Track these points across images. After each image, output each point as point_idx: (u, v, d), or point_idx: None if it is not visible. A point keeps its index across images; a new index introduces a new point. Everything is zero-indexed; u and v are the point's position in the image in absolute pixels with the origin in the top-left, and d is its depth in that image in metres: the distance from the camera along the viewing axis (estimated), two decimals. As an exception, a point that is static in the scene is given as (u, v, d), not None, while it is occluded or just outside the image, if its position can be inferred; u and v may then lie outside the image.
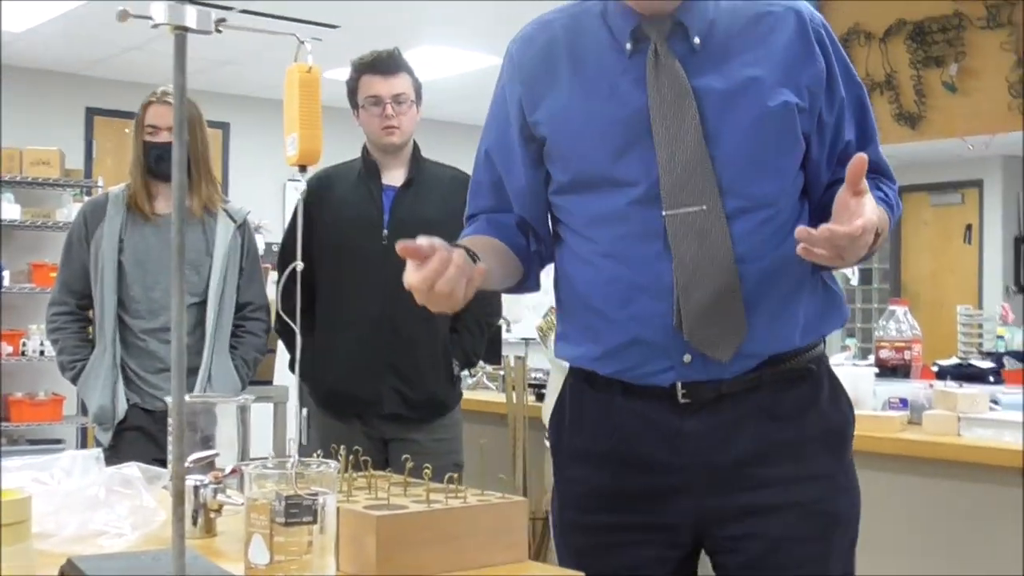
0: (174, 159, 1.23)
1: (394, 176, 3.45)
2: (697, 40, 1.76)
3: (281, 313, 1.71)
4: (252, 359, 3.48)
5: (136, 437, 3.24)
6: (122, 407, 3.26)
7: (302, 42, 1.56)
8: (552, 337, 3.21)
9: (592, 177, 1.81)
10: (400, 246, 1.63)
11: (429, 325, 3.37)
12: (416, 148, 3.50)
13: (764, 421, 1.79)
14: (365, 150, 3.49)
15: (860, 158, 1.62)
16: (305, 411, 1.94)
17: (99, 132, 7.85)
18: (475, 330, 3.50)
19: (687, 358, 1.76)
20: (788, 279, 1.80)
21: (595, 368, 1.86)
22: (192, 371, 3.31)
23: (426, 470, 1.64)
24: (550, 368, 3.45)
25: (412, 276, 1.66)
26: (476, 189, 2.01)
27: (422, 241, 1.65)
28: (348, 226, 3.39)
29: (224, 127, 8.34)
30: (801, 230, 1.61)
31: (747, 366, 1.78)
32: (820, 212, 1.82)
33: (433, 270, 1.64)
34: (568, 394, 1.96)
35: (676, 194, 1.73)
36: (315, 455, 1.55)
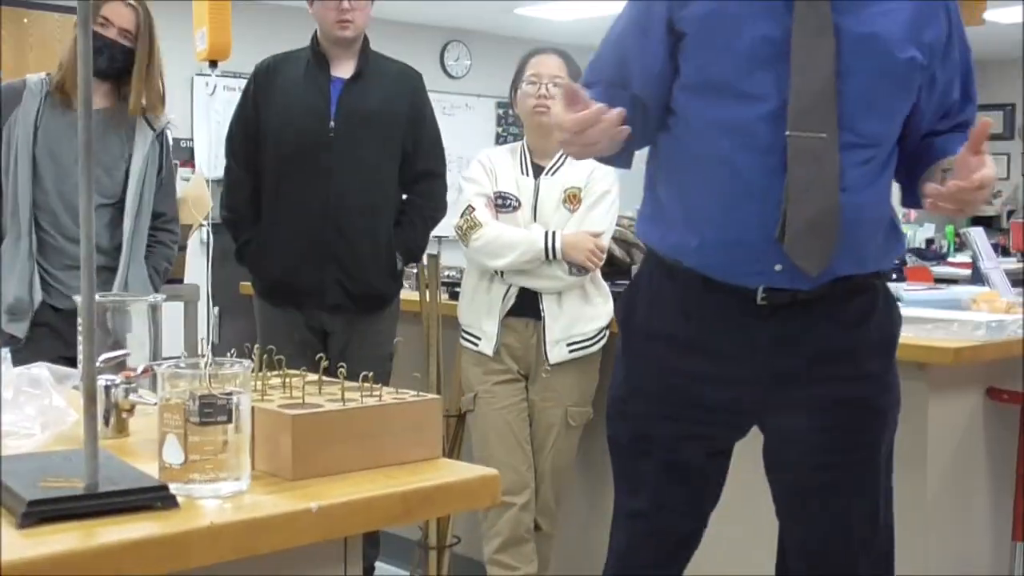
0: (80, 53, 1.19)
1: (343, 68, 3.45)
2: None
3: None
4: (163, 269, 3.47)
5: (45, 333, 3.18)
6: (38, 299, 3.20)
7: (210, -69, 1.52)
8: (473, 236, 3.20)
9: (723, 84, 1.95)
10: (565, 84, 1.81)
11: (373, 218, 3.43)
12: (366, 41, 3.49)
13: (829, 327, 2.01)
14: (315, 40, 3.48)
15: (985, 123, 1.81)
16: (217, 309, 1.93)
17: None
18: (419, 224, 3.53)
19: (778, 267, 1.95)
20: (874, 213, 2.01)
21: (685, 259, 2.03)
22: (105, 271, 3.26)
23: (341, 370, 1.64)
24: (465, 267, 3.45)
25: (567, 115, 1.79)
26: (599, 62, 2.11)
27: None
28: (295, 116, 3.41)
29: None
30: (930, 187, 1.84)
31: (823, 281, 1.97)
32: (911, 159, 2.06)
33: (588, 118, 1.77)
34: (645, 278, 2.16)
35: (802, 118, 1.89)
36: (229, 350, 1.54)
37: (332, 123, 3.37)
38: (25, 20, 7.45)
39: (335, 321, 3.45)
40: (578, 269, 3.18)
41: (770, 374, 2.02)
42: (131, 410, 1.70)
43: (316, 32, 3.48)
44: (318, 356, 1.76)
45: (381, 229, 3.46)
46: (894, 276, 3.95)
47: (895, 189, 2.12)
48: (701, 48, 1.96)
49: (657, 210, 2.11)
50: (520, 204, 3.26)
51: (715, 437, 2.12)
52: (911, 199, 2.12)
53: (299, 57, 3.49)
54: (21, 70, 3.49)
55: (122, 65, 3.26)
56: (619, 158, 2.09)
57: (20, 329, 3.21)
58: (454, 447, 3.49)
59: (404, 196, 3.55)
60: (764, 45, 1.91)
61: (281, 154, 3.41)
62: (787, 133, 1.89)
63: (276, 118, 3.41)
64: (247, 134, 3.47)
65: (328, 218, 3.37)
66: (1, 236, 3.25)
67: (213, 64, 1.87)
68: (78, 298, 1.69)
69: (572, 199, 3.25)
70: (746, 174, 1.94)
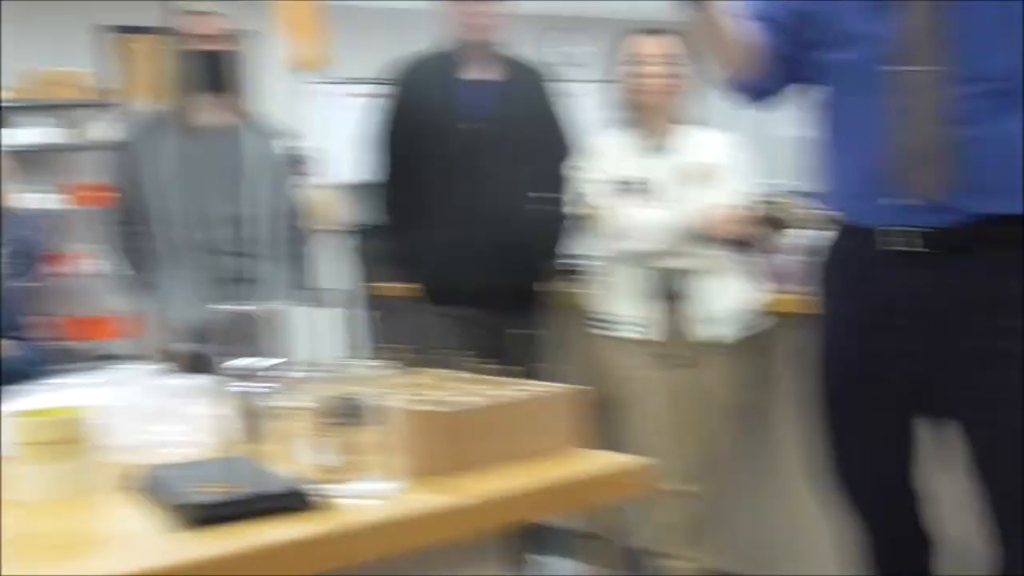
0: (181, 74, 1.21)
1: (481, 70, 3.46)
2: None
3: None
4: (302, 267, 3.54)
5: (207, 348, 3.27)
6: (203, 317, 3.30)
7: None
8: (606, 222, 3.17)
9: (842, 33, 2.06)
10: None
11: (519, 217, 3.44)
12: (501, 43, 3.50)
13: (977, 273, 2.01)
14: (452, 42, 3.48)
15: None
16: (379, 313, 1.95)
17: (111, 50, 7.77)
18: (560, 221, 3.52)
19: (909, 202, 2.00)
20: (1006, 148, 1.97)
21: (839, 208, 2.16)
22: (252, 281, 3.36)
23: (474, 361, 1.64)
24: (602, 254, 3.40)
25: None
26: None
27: None
28: (434, 117, 3.43)
29: (254, 34, 8.22)
30: None
31: (960, 219, 1.98)
32: None
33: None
34: (831, 242, 2.24)
35: (905, 54, 1.96)
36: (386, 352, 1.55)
37: (475, 125, 3.40)
38: (133, 46, 7.64)
39: (488, 318, 3.46)
40: (720, 244, 3.11)
41: (930, 322, 2.05)
42: (275, 416, 1.72)
43: (452, 35, 3.48)
44: (473, 355, 1.75)
45: (527, 228, 3.47)
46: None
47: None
48: (819, 5, 2.09)
49: (826, 176, 2.21)
50: (644, 186, 3.21)
51: (898, 397, 2.15)
52: None
53: (436, 59, 3.51)
54: (143, 95, 3.61)
55: (233, 71, 3.36)
56: (747, 69, 2.21)
57: (187, 349, 3.31)
58: (605, 437, 3.44)
59: (541, 194, 3.57)
60: None
61: (428, 158, 3.43)
62: (887, 68, 1.99)
63: (420, 122, 3.44)
64: (394, 138, 3.52)
65: (478, 219, 3.39)
66: (157, 268, 3.35)
67: (308, 71, 1.91)
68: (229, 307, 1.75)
69: (697, 175, 3.18)
70: (868, 113, 2.03)
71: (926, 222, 2.01)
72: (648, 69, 3.18)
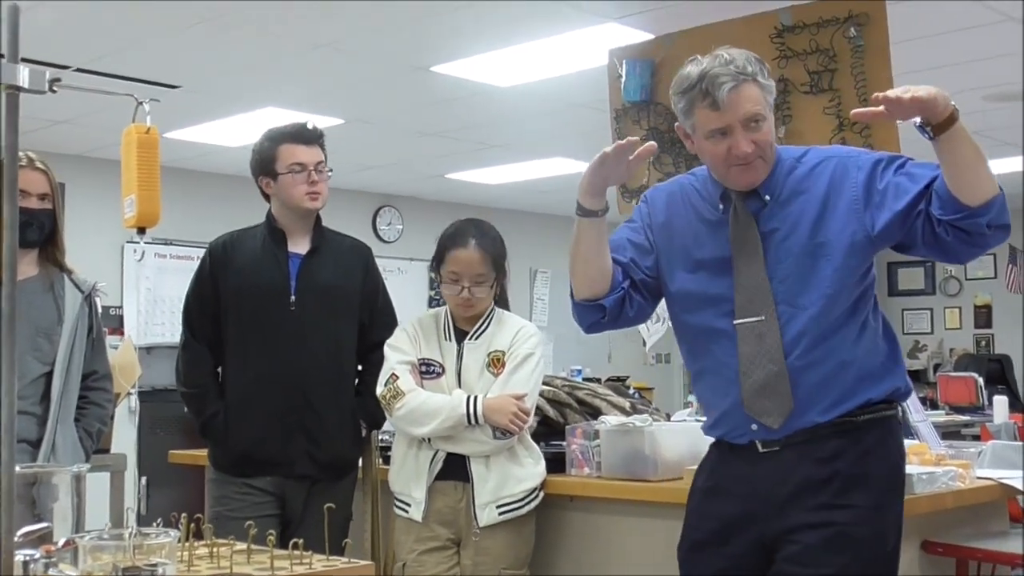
0: (4, 221, 1.20)
1: (299, 243, 3.52)
2: (767, 197, 2.40)
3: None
4: (96, 430, 3.39)
5: None
6: None
7: (140, 103, 1.54)
8: (397, 404, 3.19)
9: (697, 293, 2.47)
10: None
11: (336, 388, 3.50)
12: (318, 218, 3.57)
13: (809, 463, 2.37)
14: (271, 217, 3.54)
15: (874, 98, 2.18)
16: (144, 479, 1.89)
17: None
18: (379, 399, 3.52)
19: (754, 427, 2.41)
20: (823, 369, 2.36)
21: (712, 434, 2.55)
22: (39, 442, 3.20)
23: (270, 536, 1.61)
24: (395, 433, 3.42)
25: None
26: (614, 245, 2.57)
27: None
28: (256, 292, 3.46)
29: (60, 188, 8.10)
30: (856, 113, 2.26)
31: (797, 428, 2.37)
32: (938, 200, 2.27)
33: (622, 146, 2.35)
34: (705, 456, 2.63)
35: (744, 308, 2.39)
36: (156, 521, 1.50)
37: (293, 297, 3.43)
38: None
39: (298, 489, 3.43)
40: (502, 433, 3.17)
41: (769, 504, 2.39)
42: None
43: (270, 210, 3.54)
44: (268, 533, 1.70)
45: (345, 398, 3.51)
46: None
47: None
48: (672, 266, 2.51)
49: (701, 407, 2.62)
50: (444, 370, 3.27)
51: (751, 564, 2.44)
52: (950, 204, 2.25)
53: (255, 234, 3.55)
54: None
55: (50, 231, 3.30)
56: (597, 300, 2.50)
57: None
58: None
59: (359, 367, 3.60)
60: (717, 261, 2.43)
61: (244, 329, 3.44)
62: (734, 322, 2.39)
63: (236, 294, 3.45)
64: (204, 310, 3.50)
65: (295, 390, 3.40)
66: None
67: (141, 231, 1.86)
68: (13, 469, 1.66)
69: (496, 363, 3.25)
70: (721, 360, 2.43)
71: (776, 436, 2.40)
72: (468, 292, 3.26)
